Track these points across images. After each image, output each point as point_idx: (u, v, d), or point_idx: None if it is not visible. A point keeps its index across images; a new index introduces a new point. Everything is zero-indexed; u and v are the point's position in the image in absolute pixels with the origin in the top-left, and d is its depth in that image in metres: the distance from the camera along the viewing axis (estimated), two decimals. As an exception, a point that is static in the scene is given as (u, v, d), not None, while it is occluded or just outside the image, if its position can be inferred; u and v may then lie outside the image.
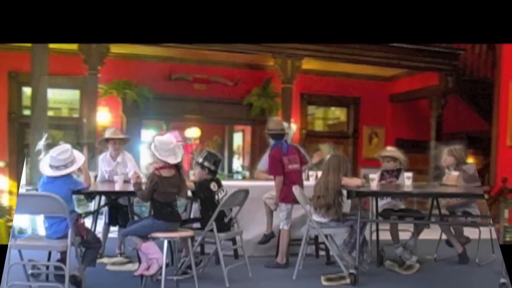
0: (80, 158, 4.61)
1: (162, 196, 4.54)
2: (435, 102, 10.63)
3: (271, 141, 5.80)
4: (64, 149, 4.45)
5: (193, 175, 5.47)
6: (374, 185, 5.24)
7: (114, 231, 6.03)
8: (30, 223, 7.01)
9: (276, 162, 5.57)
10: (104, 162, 5.91)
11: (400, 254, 5.79)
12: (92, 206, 6.04)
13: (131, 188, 4.80)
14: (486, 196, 7.60)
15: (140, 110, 9.71)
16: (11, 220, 7.23)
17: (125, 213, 5.83)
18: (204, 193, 5.05)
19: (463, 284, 5.43)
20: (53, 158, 4.38)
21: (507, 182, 8.34)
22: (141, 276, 4.60)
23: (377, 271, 5.57)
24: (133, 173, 4.91)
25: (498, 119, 9.46)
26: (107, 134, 5.96)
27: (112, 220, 5.87)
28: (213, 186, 5.08)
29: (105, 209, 5.83)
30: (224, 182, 5.37)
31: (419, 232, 6.02)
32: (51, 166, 4.40)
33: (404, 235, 6.08)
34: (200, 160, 5.10)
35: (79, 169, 4.70)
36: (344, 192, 5.29)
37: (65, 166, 4.40)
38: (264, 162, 6.67)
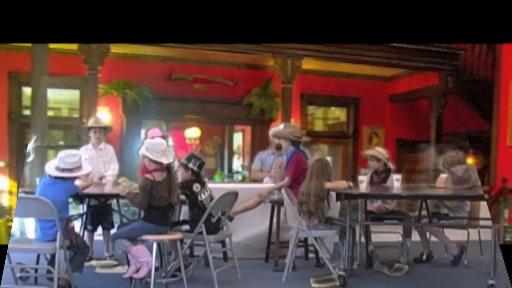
0: (86, 167, 4.69)
1: (156, 201, 4.53)
2: (435, 102, 10.63)
3: (289, 146, 5.87)
4: (73, 153, 4.50)
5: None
6: (363, 187, 5.23)
7: (100, 234, 6.02)
8: (19, 226, 7.00)
9: (300, 167, 5.59)
10: (85, 151, 5.94)
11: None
12: (81, 208, 6.02)
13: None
14: (486, 196, 7.61)
15: (140, 110, 9.71)
16: (11, 220, 7.23)
17: (111, 214, 5.87)
18: (186, 194, 5.04)
19: (452, 285, 5.46)
20: (61, 160, 4.40)
21: (507, 182, 8.34)
22: (130, 279, 4.59)
23: (367, 273, 5.58)
24: (120, 189, 4.96)
25: (498, 119, 9.45)
26: (89, 123, 6.12)
27: (95, 226, 5.88)
28: (195, 187, 5.05)
29: (84, 216, 5.82)
30: (216, 185, 5.38)
31: (408, 233, 6.06)
32: (57, 168, 4.40)
33: (390, 237, 6.13)
34: (185, 161, 5.08)
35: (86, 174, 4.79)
36: (333, 194, 5.29)
37: (70, 170, 4.42)
38: (258, 161, 6.72)
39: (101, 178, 5.75)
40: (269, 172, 6.51)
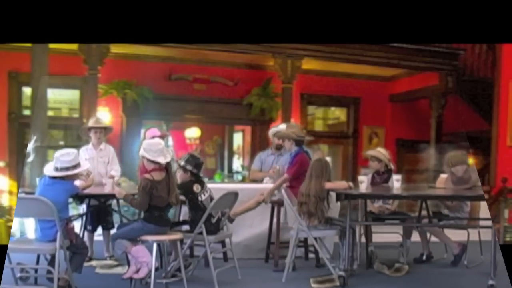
0: (84, 164, 4.69)
1: (156, 200, 4.54)
2: (435, 102, 10.62)
3: (292, 145, 5.85)
4: (68, 152, 4.50)
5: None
6: (363, 188, 5.22)
7: (100, 234, 6.02)
8: (19, 226, 7.00)
9: (303, 168, 5.54)
10: (85, 152, 5.94)
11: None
12: (81, 209, 6.01)
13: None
14: (486, 196, 7.61)
15: (140, 110, 9.70)
16: (11, 220, 7.24)
17: (111, 214, 5.87)
18: (187, 195, 5.05)
19: (452, 286, 5.46)
20: (57, 160, 4.42)
21: (507, 182, 8.33)
22: (130, 279, 4.59)
23: (367, 274, 5.58)
24: (117, 191, 4.92)
25: (498, 119, 9.45)
26: (90, 123, 6.10)
27: (94, 226, 5.88)
28: (196, 187, 5.06)
29: (84, 216, 5.81)
30: (216, 185, 5.36)
31: (408, 234, 6.05)
32: (55, 168, 4.42)
33: (390, 237, 6.13)
34: (182, 163, 5.07)
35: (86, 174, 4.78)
36: (333, 194, 5.28)
37: (67, 169, 4.42)
38: (258, 161, 6.72)
39: (111, 177, 5.74)
40: (268, 172, 6.50)
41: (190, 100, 10.24)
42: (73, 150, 4.59)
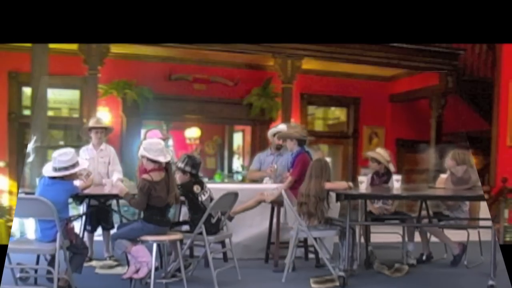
0: (83, 163, 4.69)
1: (155, 201, 4.54)
2: (435, 102, 10.62)
3: (294, 146, 5.83)
4: (66, 151, 4.50)
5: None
6: (363, 188, 5.22)
7: (100, 234, 6.02)
8: (19, 227, 7.00)
9: (305, 169, 5.50)
10: (85, 152, 5.94)
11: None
12: (81, 209, 6.01)
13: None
14: (486, 196, 7.61)
15: (140, 110, 9.71)
16: (11, 220, 7.24)
17: (111, 215, 5.87)
18: (187, 196, 5.05)
19: (452, 286, 5.46)
20: (55, 160, 4.42)
21: (507, 182, 8.33)
22: (130, 279, 4.60)
23: (366, 274, 5.58)
24: (119, 189, 4.90)
25: (498, 119, 9.45)
26: (90, 123, 6.10)
27: (93, 227, 5.88)
28: (196, 188, 5.06)
29: (84, 217, 5.81)
30: (216, 185, 5.34)
31: (410, 235, 6.05)
32: (53, 168, 4.42)
33: (389, 238, 6.13)
34: (181, 165, 5.06)
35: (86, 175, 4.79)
36: (333, 194, 5.28)
37: (66, 169, 4.42)
38: (257, 162, 6.71)
39: (120, 181, 5.73)
40: (265, 171, 6.48)
41: (190, 100, 10.25)
42: (71, 150, 4.58)
